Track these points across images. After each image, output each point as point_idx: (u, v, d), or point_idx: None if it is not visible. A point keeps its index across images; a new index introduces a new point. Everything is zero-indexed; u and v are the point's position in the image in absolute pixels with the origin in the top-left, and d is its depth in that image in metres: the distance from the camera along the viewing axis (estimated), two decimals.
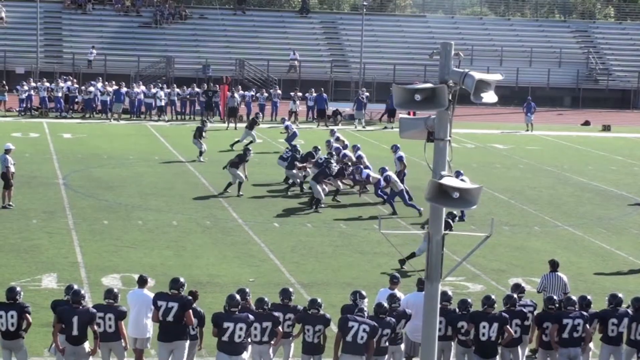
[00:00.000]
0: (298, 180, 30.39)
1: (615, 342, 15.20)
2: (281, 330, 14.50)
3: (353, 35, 66.96)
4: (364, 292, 14.95)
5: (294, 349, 15.02)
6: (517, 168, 38.07)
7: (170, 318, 14.28)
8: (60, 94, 49.41)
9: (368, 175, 28.97)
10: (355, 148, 32.25)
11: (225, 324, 13.97)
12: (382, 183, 28.37)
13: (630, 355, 15.36)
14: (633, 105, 66.89)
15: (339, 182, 29.42)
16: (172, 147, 39.27)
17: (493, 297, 14.95)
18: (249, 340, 14.26)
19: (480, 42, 68.63)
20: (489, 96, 9.29)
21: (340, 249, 23.85)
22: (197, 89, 50.92)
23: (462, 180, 26.04)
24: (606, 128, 53.31)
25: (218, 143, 41.57)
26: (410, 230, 25.25)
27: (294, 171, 30.46)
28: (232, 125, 47.08)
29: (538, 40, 70.36)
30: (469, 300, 15.19)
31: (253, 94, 51.63)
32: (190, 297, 14.52)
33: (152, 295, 15.14)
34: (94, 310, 14.23)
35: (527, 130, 50.63)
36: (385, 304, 14.58)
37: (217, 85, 51.10)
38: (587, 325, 14.97)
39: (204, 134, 36.44)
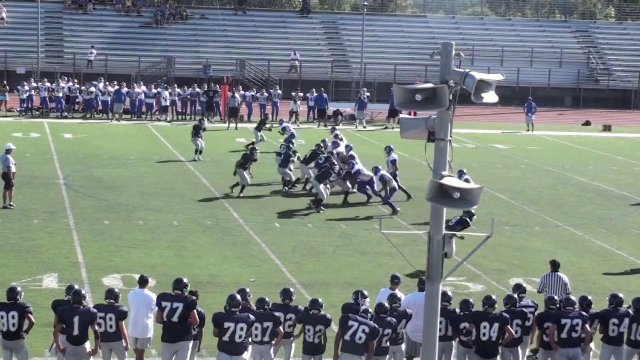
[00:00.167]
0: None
1: (616, 342, 15.20)
2: (282, 330, 14.51)
3: (354, 35, 66.98)
4: (365, 292, 14.96)
5: (295, 349, 15.02)
6: (517, 168, 38.07)
7: (175, 319, 14.28)
8: (61, 94, 49.43)
9: (359, 171, 28.83)
10: (347, 148, 32.20)
11: (226, 324, 13.98)
12: (376, 183, 28.30)
13: (631, 356, 15.36)
14: (634, 105, 66.87)
15: (348, 183, 29.25)
16: (172, 147, 39.28)
17: (494, 297, 14.95)
18: (250, 340, 14.27)
19: (481, 42, 68.62)
20: (490, 96, 9.30)
21: (341, 249, 23.85)
22: (197, 89, 50.94)
23: (465, 179, 26.16)
24: (607, 128, 53.31)
25: (219, 143, 41.59)
26: (411, 230, 25.24)
27: (288, 170, 30.46)
28: (232, 125, 47.08)
29: (539, 40, 70.36)
30: (471, 300, 15.19)
31: (253, 94, 51.63)
32: (194, 297, 14.53)
33: (152, 295, 15.15)
34: (95, 310, 14.23)
35: (528, 130, 50.64)
36: (386, 304, 14.59)
37: (218, 85, 51.10)
38: (587, 326, 14.96)
39: (200, 132, 36.46)
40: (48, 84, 50.16)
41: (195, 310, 14.37)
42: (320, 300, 14.66)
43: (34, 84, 50.54)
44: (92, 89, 49.60)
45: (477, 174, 33.67)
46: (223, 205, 28.44)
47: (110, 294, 14.57)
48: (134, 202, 28.36)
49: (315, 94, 50.96)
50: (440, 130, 9.52)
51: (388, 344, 14.48)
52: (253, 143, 38.25)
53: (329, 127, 41.45)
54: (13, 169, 26.93)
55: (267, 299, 14.54)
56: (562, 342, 14.88)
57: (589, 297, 15.60)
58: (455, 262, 20.23)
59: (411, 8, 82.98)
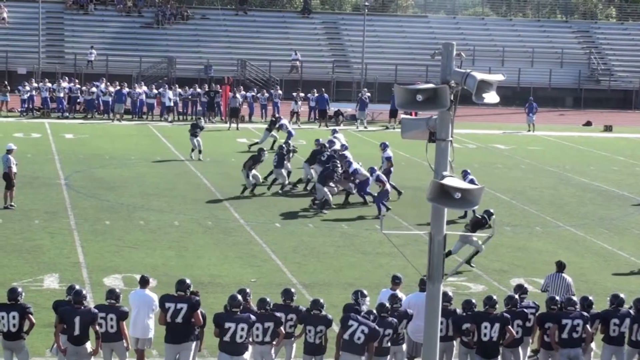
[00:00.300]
0: (250, 184, 29.70)
1: (617, 343, 15.20)
2: (283, 331, 14.51)
3: (355, 35, 66.99)
4: (365, 291, 14.96)
5: (296, 349, 15.02)
6: (518, 168, 38.07)
7: (179, 319, 14.29)
8: (62, 95, 49.45)
9: (356, 171, 28.82)
10: (343, 147, 32.21)
11: (227, 324, 13.98)
12: (370, 181, 28.28)
13: (632, 356, 15.36)
14: (635, 105, 66.87)
15: (350, 184, 29.22)
16: (174, 148, 39.27)
17: (495, 297, 14.95)
18: (250, 340, 14.27)
19: (482, 43, 68.62)
20: (491, 96, 9.30)
21: (342, 249, 23.85)
22: (198, 90, 50.94)
23: (470, 180, 26.19)
24: (608, 128, 53.31)
25: (220, 143, 41.61)
26: (412, 230, 25.24)
27: (282, 170, 30.33)
28: (233, 125, 47.08)
29: (540, 41, 70.34)
30: (473, 300, 15.19)
31: (254, 94, 51.64)
32: (198, 298, 14.54)
33: (153, 295, 15.16)
34: (96, 311, 14.24)
35: (529, 130, 50.64)
36: (387, 304, 14.60)
37: (219, 86, 51.11)
38: (588, 326, 14.96)
39: (198, 131, 36.47)
40: (49, 84, 50.18)
41: (199, 311, 14.38)
42: (321, 300, 14.66)
43: (35, 84, 50.56)
44: (94, 89, 49.61)
45: (478, 174, 33.61)
46: (224, 205, 28.44)
47: (111, 294, 14.57)
48: (135, 202, 28.37)
49: (316, 95, 50.95)
50: (441, 130, 9.52)
51: (389, 344, 14.48)
52: (257, 143, 38.22)
53: (331, 128, 41.44)
54: (14, 169, 26.94)
55: (268, 300, 14.54)
56: (563, 343, 14.88)
57: (590, 298, 15.60)
58: (457, 263, 20.23)
59: (412, 8, 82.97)
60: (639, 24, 76.25)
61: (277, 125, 39.51)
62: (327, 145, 31.24)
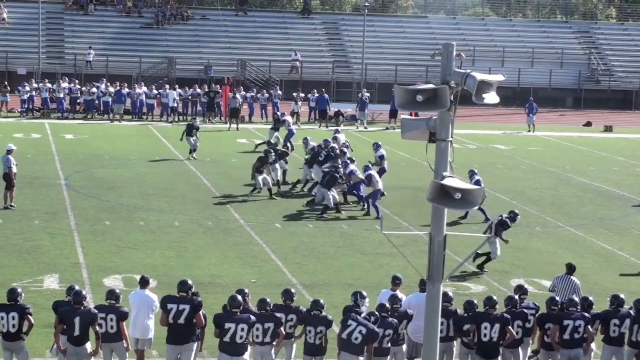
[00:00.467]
0: (261, 185, 29.36)
1: (617, 343, 15.20)
2: (283, 331, 14.50)
3: (355, 35, 66.98)
4: (364, 293, 14.95)
5: (296, 349, 15.02)
6: (518, 169, 38.07)
7: (181, 320, 14.28)
8: (62, 95, 49.44)
9: (352, 172, 28.80)
10: (343, 146, 32.21)
11: (227, 325, 13.98)
12: (362, 183, 28.30)
13: (632, 357, 15.35)
14: (635, 106, 66.87)
15: (360, 176, 29.14)
16: (173, 148, 39.25)
17: (495, 298, 14.95)
18: (250, 340, 14.26)
19: (482, 43, 68.61)
20: (491, 97, 9.29)
21: (342, 249, 23.85)
22: (198, 90, 50.94)
23: (476, 180, 26.26)
24: (608, 129, 53.30)
25: (220, 144, 41.61)
26: (412, 230, 25.23)
27: (258, 176, 29.34)
28: (233, 126, 47.07)
29: (540, 41, 70.34)
30: (475, 301, 15.18)
31: (253, 94, 51.64)
32: (200, 299, 14.53)
33: (153, 296, 15.15)
34: (96, 311, 14.24)
35: (529, 130, 50.64)
36: (387, 305, 14.59)
37: (219, 86, 51.11)
38: (589, 327, 14.95)
39: (194, 131, 36.51)
40: (49, 85, 50.19)
41: (201, 312, 14.38)
42: (321, 301, 14.66)
43: (34, 85, 50.56)
44: (94, 89, 49.62)
45: (479, 174, 33.62)
46: (224, 205, 28.44)
47: (111, 294, 14.57)
48: (135, 202, 28.37)
49: (316, 95, 50.94)
50: (441, 130, 9.51)
51: (389, 344, 14.48)
52: (268, 142, 38.18)
53: (331, 129, 41.46)
54: (14, 169, 26.93)
55: (268, 300, 14.54)
56: (564, 343, 14.88)
57: (590, 298, 15.61)
58: (457, 263, 20.23)
59: (412, 9, 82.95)
60: (639, 24, 76.24)
61: (280, 122, 39.56)
62: (323, 144, 31.20)
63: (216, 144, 41.53)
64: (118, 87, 49.32)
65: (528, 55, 68.17)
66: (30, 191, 29.06)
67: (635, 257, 24.23)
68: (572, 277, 17.40)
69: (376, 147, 31.47)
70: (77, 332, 14.00)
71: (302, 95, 51.27)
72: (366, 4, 64.40)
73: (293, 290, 15.13)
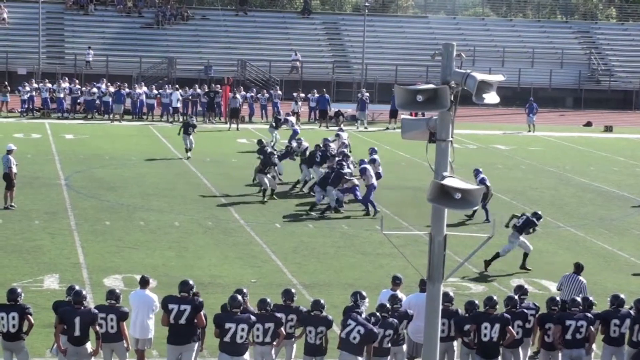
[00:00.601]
0: (267, 186, 29.14)
1: (617, 343, 15.20)
2: (283, 331, 14.50)
3: (355, 36, 66.98)
4: (364, 293, 14.95)
5: (296, 350, 15.01)
6: (519, 169, 38.06)
7: (182, 321, 14.28)
8: (62, 95, 49.45)
9: (349, 174, 28.84)
10: (342, 146, 32.17)
11: (227, 325, 13.98)
12: (358, 185, 28.35)
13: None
14: (635, 106, 66.86)
15: (355, 182, 29.16)
16: (173, 148, 39.25)
17: (495, 298, 14.95)
18: (251, 340, 14.26)
19: (482, 43, 68.60)
20: (491, 97, 9.29)
21: (342, 249, 23.85)
22: (198, 90, 50.95)
23: (481, 178, 26.33)
24: (608, 129, 53.30)
25: (220, 144, 41.63)
26: (412, 230, 25.23)
27: (264, 177, 29.18)
28: (234, 126, 47.08)
29: (540, 41, 70.34)
30: (476, 302, 15.18)
31: (253, 94, 51.65)
32: (201, 300, 14.54)
33: (154, 296, 15.16)
34: (96, 311, 14.24)
35: (529, 131, 50.64)
36: (388, 305, 14.59)
37: (219, 86, 51.12)
38: (592, 327, 14.95)
39: (190, 129, 36.62)
40: (49, 85, 50.20)
41: (202, 312, 14.38)
42: (322, 301, 14.66)
43: (35, 85, 50.57)
44: (94, 89, 49.63)
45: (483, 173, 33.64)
46: (224, 206, 28.43)
47: (112, 294, 14.57)
48: (135, 202, 28.37)
49: (316, 95, 50.94)
50: (441, 131, 9.51)
51: (389, 345, 14.48)
52: (272, 142, 38.31)
53: (331, 129, 41.46)
54: (14, 169, 26.93)
55: (268, 300, 14.54)
56: (567, 343, 14.87)
57: (591, 298, 15.62)
58: (457, 263, 20.23)
59: (412, 9, 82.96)
60: (639, 25, 76.23)
61: (281, 122, 39.62)
62: (320, 144, 31.20)
63: (216, 144, 41.55)
64: (117, 87, 49.32)
65: (528, 55, 68.17)
66: (30, 191, 29.06)
67: (635, 257, 24.23)
68: (579, 276, 17.51)
69: (371, 151, 31.28)
70: (77, 332, 14.00)
71: (302, 95, 51.27)
72: (366, 4, 64.40)
73: (293, 291, 15.13)
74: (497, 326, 14.60)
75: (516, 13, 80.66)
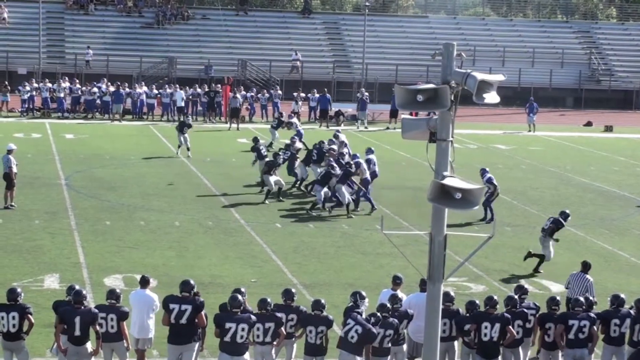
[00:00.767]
0: (274, 188, 29.11)
1: (617, 343, 15.19)
2: (284, 331, 14.50)
3: (355, 35, 66.98)
4: (363, 293, 14.95)
5: (296, 349, 15.01)
6: (519, 169, 38.05)
7: (183, 321, 14.27)
8: (62, 95, 49.46)
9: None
10: (342, 145, 32.19)
11: (227, 325, 13.98)
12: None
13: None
14: (635, 105, 66.85)
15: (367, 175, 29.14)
16: (174, 148, 39.21)
17: (495, 297, 14.95)
18: (251, 340, 14.26)
19: (482, 43, 68.58)
20: (491, 97, 9.28)
21: (343, 249, 23.84)
22: (199, 90, 50.95)
23: (488, 178, 26.40)
24: (608, 129, 53.30)
25: (220, 144, 41.63)
26: (412, 230, 25.22)
27: (270, 178, 29.13)
28: (234, 125, 47.08)
29: (540, 41, 70.34)
30: (477, 302, 15.18)
31: (253, 94, 51.65)
32: (202, 300, 14.54)
33: (154, 295, 15.15)
34: (96, 311, 14.24)
35: (530, 130, 50.63)
36: (388, 305, 14.59)
37: (220, 86, 51.12)
38: (595, 327, 14.94)
39: (185, 128, 36.72)
40: (49, 85, 50.20)
41: (203, 312, 14.38)
42: (322, 301, 14.67)
43: (35, 85, 50.57)
44: (95, 89, 49.65)
45: (479, 174, 33.63)
46: (224, 205, 28.43)
47: (112, 294, 14.57)
48: (135, 202, 28.37)
49: (316, 95, 50.96)
50: (441, 130, 9.51)
51: (390, 344, 14.48)
52: (271, 144, 38.35)
53: (333, 129, 41.48)
54: (14, 169, 26.92)
55: (269, 300, 14.54)
56: (569, 343, 14.87)
57: (591, 298, 15.62)
58: (457, 263, 20.23)
59: (413, 8, 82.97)
60: (639, 24, 76.32)
61: (284, 124, 39.62)
62: (319, 145, 31.22)
63: (217, 143, 41.55)
64: (116, 87, 49.30)
65: (529, 55, 68.17)
66: (30, 191, 29.05)
67: (635, 257, 24.23)
68: (586, 275, 17.58)
69: (367, 151, 31.21)
70: (77, 332, 14.00)
71: (302, 95, 51.27)
72: (367, 3, 64.39)
73: (293, 290, 15.14)
74: (497, 326, 14.60)
75: (516, 13, 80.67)
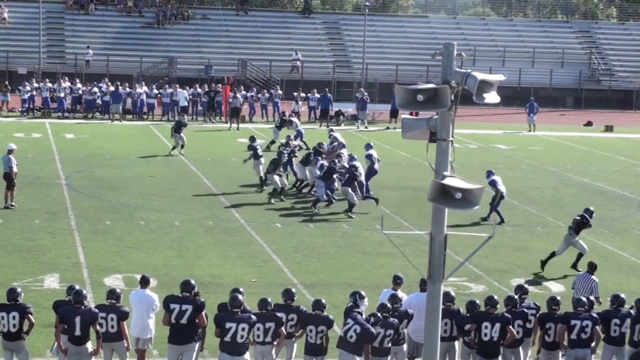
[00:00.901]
0: (279, 186, 29.17)
1: (617, 343, 15.19)
2: (284, 331, 14.50)
3: (355, 35, 66.99)
4: (363, 293, 14.95)
5: (297, 349, 15.01)
6: (519, 168, 38.05)
7: (184, 321, 14.28)
8: (62, 95, 49.46)
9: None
10: (339, 146, 32.27)
11: (228, 325, 13.98)
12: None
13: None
14: (635, 105, 66.83)
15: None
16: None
17: (496, 297, 14.95)
18: (251, 340, 14.26)
19: (482, 43, 68.59)
20: (492, 97, 9.28)
21: (343, 249, 23.84)
22: (199, 90, 50.96)
23: (491, 180, 26.48)
24: (609, 128, 53.30)
25: (220, 143, 41.63)
26: (413, 230, 25.23)
27: (275, 177, 29.22)
28: (234, 125, 47.08)
29: (540, 41, 70.34)
30: (477, 301, 15.17)
31: (253, 94, 51.65)
32: (203, 300, 14.54)
33: (154, 295, 15.15)
34: (96, 310, 14.24)
35: (530, 130, 50.63)
36: (388, 305, 14.59)
37: (220, 86, 51.13)
38: (597, 327, 14.94)
39: (182, 128, 36.84)
40: (50, 84, 50.20)
41: (203, 312, 14.38)
42: (323, 301, 14.67)
43: (35, 84, 50.57)
44: (95, 89, 49.65)
45: (479, 174, 33.61)
46: (225, 205, 28.43)
47: (112, 294, 14.57)
48: (135, 202, 28.37)
49: (316, 95, 50.96)
50: (441, 130, 9.51)
51: (390, 344, 14.48)
52: (272, 142, 38.35)
53: (328, 129, 41.46)
54: (15, 169, 26.92)
55: (269, 300, 14.54)
56: (571, 343, 14.86)
57: (592, 298, 15.62)
58: (457, 263, 20.24)
59: (413, 8, 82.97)
60: None
61: (286, 122, 39.64)
62: (317, 147, 31.28)
63: (217, 143, 41.55)
64: (114, 87, 49.27)
65: (529, 55, 68.17)
66: (30, 191, 29.06)
67: (635, 257, 24.23)
68: (592, 276, 17.62)
69: (366, 147, 31.30)
70: (78, 332, 14.00)
71: (302, 95, 51.27)
72: (367, 3, 64.38)
73: (294, 290, 15.14)
74: (497, 326, 14.59)
75: (517, 13, 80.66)
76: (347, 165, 28.82)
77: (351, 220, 26.92)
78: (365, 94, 51.83)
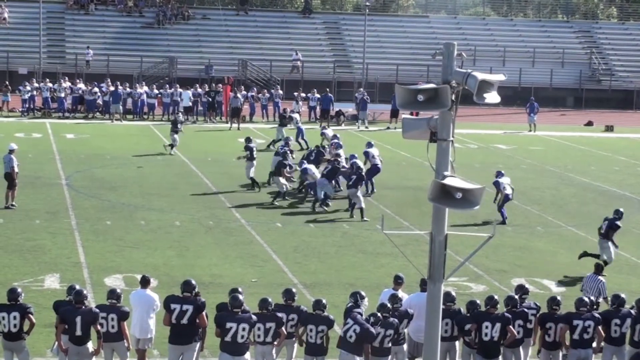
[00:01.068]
0: (284, 189, 29.13)
1: (618, 343, 15.19)
2: (284, 331, 14.50)
3: (356, 35, 66.98)
4: (363, 293, 14.95)
5: (297, 349, 15.01)
6: (520, 168, 38.05)
7: (184, 321, 14.28)
8: (63, 95, 49.46)
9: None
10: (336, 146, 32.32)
11: (228, 325, 13.98)
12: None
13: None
14: (636, 105, 66.82)
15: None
16: (174, 148, 39.21)
17: (496, 297, 14.95)
18: (252, 340, 14.27)
19: (483, 43, 68.59)
20: (492, 96, 9.28)
21: (343, 249, 23.84)
22: (199, 90, 50.96)
23: (497, 180, 26.53)
24: (609, 128, 53.29)
25: (221, 143, 41.62)
26: (413, 230, 25.24)
27: (281, 179, 29.15)
28: (234, 125, 47.09)
29: (541, 41, 70.34)
30: (478, 301, 15.18)
31: (254, 94, 51.65)
32: (203, 300, 14.54)
33: (154, 295, 15.15)
34: (97, 310, 14.24)
35: (530, 130, 50.62)
36: (388, 304, 14.59)
37: (220, 86, 51.14)
38: (600, 327, 14.93)
39: (179, 126, 36.87)
40: (50, 84, 50.20)
41: (204, 313, 14.38)
42: (324, 301, 14.67)
43: (35, 84, 50.57)
44: (96, 89, 49.66)
45: (480, 174, 33.66)
46: (225, 205, 28.43)
47: (112, 294, 14.58)
48: (136, 202, 28.37)
49: (317, 95, 50.96)
50: (442, 130, 9.51)
51: (390, 344, 14.48)
52: (274, 142, 38.35)
53: (321, 126, 41.48)
54: (16, 169, 26.93)
55: (269, 300, 14.54)
56: (573, 343, 14.86)
57: (592, 298, 15.61)
58: (458, 263, 20.23)
59: (413, 8, 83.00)
60: None
61: (287, 119, 39.68)
62: (317, 147, 31.31)
63: (217, 143, 41.55)
64: (114, 87, 49.27)
65: (529, 55, 68.17)
66: (31, 191, 29.06)
67: (635, 257, 24.23)
68: (599, 277, 17.67)
69: (367, 145, 31.37)
70: (78, 332, 14.01)
71: (302, 95, 51.28)
72: (367, 3, 64.36)
73: (294, 290, 15.14)
74: (497, 326, 14.60)
75: (517, 13, 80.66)
76: (347, 165, 28.82)
77: (352, 220, 26.92)
78: (366, 94, 51.85)
